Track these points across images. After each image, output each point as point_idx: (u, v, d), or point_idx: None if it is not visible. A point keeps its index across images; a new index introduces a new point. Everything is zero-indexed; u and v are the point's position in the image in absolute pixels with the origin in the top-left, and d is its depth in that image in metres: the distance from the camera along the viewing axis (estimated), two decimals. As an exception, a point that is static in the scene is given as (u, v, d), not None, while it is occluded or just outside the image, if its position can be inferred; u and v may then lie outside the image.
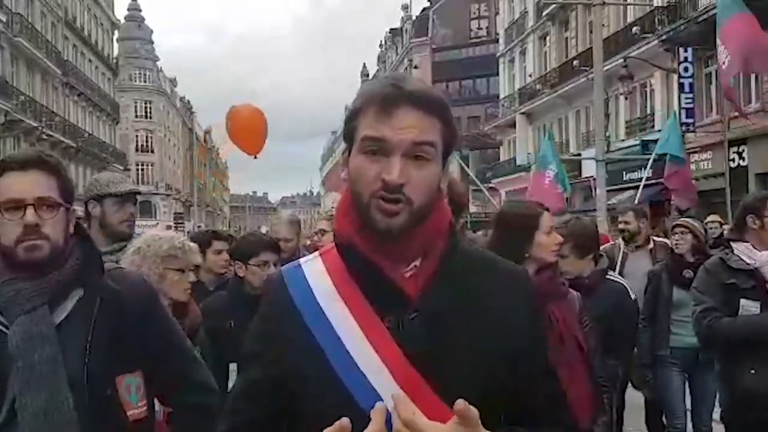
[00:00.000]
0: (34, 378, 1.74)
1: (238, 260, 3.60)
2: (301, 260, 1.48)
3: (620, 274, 5.70)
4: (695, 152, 18.25)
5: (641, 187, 8.65)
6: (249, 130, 8.08)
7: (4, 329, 1.80)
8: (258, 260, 3.50)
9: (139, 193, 3.51)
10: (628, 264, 5.78)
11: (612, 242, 6.27)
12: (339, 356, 1.32)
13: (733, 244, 3.69)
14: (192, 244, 2.98)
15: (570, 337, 2.81)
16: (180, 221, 46.97)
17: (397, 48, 59.60)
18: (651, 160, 9.43)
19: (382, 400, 1.25)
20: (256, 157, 7.92)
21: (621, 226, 5.99)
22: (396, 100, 1.30)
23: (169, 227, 31.57)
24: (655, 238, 5.97)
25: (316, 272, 1.41)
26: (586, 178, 21.52)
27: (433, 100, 1.33)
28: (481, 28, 49.00)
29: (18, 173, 1.83)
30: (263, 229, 5.26)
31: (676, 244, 5.03)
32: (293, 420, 1.39)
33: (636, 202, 9.67)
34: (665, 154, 9.94)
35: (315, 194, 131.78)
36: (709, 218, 8.80)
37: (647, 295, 5.08)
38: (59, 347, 1.78)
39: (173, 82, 75.64)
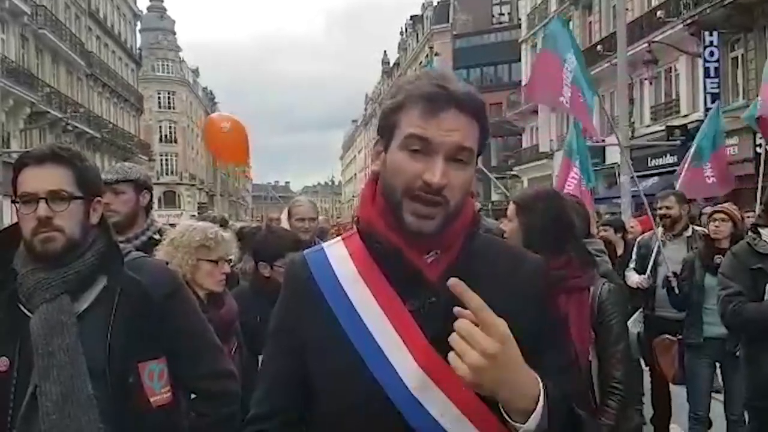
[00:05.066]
0: (53, 366, 1.77)
1: (263, 261, 3.59)
2: (324, 245, 1.51)
3: (654, 263, 5.59)
4: (721, 137, 17.93)
5: (675, 172, 8.37)
6: (229, 148, 8.03)
7: (29, 316, 1.83)
8: (284, 261, 3.40)
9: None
10: (663, 253, 5.55)
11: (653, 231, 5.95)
12: (361, 337, 1.34)
13: (760, 230, 3.65)
14: (226, 234, 2.98)
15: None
16: (204, 211, 47.25)
17: (417, 35, 59.24)
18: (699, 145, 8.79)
19: (402, 380, 1.28)
20: (245, 171, 8.05)
21: (662, 211, 5.69)
22: (443, 101, 1.30)
23: (192, 217, 31.73)
24: (696, 227, 5.77)
25: (339, 256, 1.43)
26: (611, 164, 21.28)
27: (477, 105, 1.34)
28: (503, 14, 48.54)
29: (34, 168, 1.87)
30: (283, 219, 5.37)
31: (714, 230, 4.94)
32: (314, 401, 1.40)
33: (677, 188, 9.28)
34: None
35: (336, 183, 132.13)
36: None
37: (681, 282, 5.00)
38: (79, 336, 1.81)
39: (196, 72, 76.03)
